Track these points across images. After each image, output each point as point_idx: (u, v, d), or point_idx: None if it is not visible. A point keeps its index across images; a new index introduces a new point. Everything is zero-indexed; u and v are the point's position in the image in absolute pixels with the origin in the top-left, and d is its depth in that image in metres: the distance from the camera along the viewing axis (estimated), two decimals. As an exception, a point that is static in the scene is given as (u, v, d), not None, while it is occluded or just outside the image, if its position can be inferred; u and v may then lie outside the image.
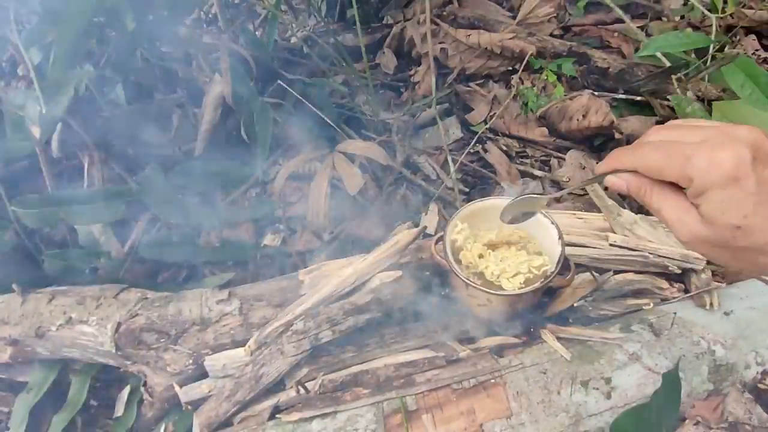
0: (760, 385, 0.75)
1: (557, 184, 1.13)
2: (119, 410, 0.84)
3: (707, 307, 0.81)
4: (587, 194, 1.02)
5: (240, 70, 1.07)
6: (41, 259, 0.91)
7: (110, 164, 1.03)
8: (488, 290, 0.68)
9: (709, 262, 0.83)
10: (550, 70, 1.23)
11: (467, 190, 1.10)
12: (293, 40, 1.45)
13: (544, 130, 1.20)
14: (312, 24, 1.46)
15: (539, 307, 0.81)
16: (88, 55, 1.01)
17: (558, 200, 0.75)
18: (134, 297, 0.84)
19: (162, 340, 0.80)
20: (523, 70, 1.22)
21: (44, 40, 0.81)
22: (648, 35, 1.28)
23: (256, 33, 1.30)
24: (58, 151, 0.96)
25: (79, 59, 0.98)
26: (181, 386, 0.79)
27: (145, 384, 0.81)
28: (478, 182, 1.14)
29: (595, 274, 0.81)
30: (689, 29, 1.26)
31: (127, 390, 0.85)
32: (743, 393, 0.72)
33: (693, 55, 1.13)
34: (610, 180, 0.44)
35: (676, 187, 0.40)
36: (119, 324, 0.80)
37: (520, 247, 0.78)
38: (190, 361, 0.80)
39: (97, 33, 1.01)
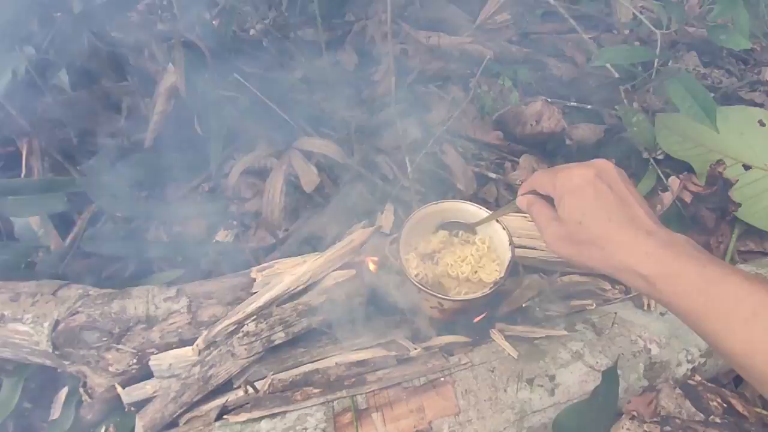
0: (689, 381, 0.80)
1: (511, 187, 1.16)
2: (56, 413, 0.79)
3: (645, 308, 0.86)
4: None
5: (195, 61, 1.03)
6: (-29, 253, 0.85)
7: (51, 153, 0.97)
8: (439, 295, 0.70)
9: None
10: (507, 76, 1.26)
11: (423, 190, 1.11)
12: (252, 32, 1.41)
13: (500, 133, 1.23)
14: (272, 17, 1.43)
15: (489, 307, 0.83)
16: (29, 36, 0.96)
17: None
18: (75, 293, 0.80)
19: (104, 339, 0.77)
20: (480, 74, 1.24)
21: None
22: (599, 46, 1.33)
23: (213, 23, 1.26)
24: (-8, 138, 0.91)
25: (18, 40, 0.92)
26: (123, 387, 0.76)
27: (84, 385, 0.77)
28: (435, 183, 1.15)
29: (542, 275, 0.84)
30: (637, 43, 1.33)
31: (64, 391, 0.81)
32: (675, 389, 0.77)
33: (639, 68, 1.19)
34: (519, 199, 0.59)
35: (552, 205, 0.54)
36: (57, 322, 0.76)
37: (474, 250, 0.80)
38: (134, 361, 0.77)
39: (39, 13, 0.95)
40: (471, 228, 0.78)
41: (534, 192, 0.57)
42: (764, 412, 0.79)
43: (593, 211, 0.48)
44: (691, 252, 0.45)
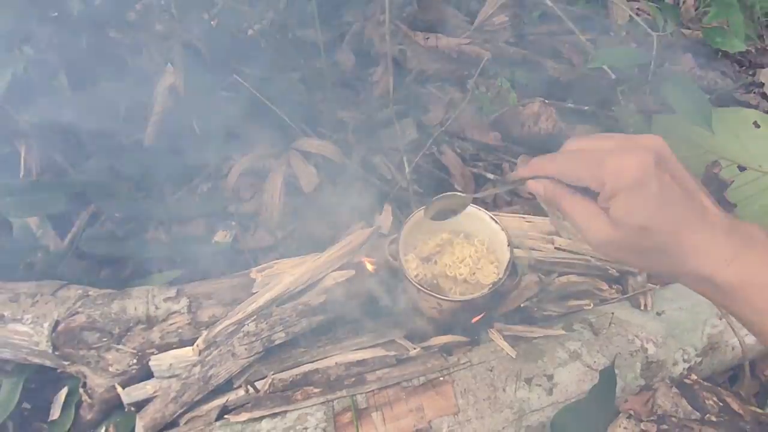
0: (686, 380, 0.81)
1: (508, 188, 1.17)
2: (55, 413, 0.79)
3: (642, 307, 0.87)
4: (535, 199, 1.06)
5: (193, 61, 1.03)
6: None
7: (50, 153, 0.97)
8: (438, 295, 0.70)
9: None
10: (504, 77, 1.27)
11: (421, 190, 1.12)
12: (250, 32, 1.41)
13: (497, 134, 1.24)
14: (270, 17, 1.43)
15: (487, 307, 0.84)
16: (28, 37, 0.96)
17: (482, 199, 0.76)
18: (74, 294, 0.80)
19: (104, 340, 0.77)
20: (478, 75, 1.25)
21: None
22: (597, 48, 1.34)
23: (212, 23, 1.26)
24: (-9, 138, 0.90)
25: (17, 40, 0.92)
26: (123, 387, 0.76)
27: (84, 385, 0.78)
28: (433, 183, 1.16)
29: (540, 276, 0.85)
30: (633, 45, 1.33)
31: (64, 391, 0.81)
32: (671, 388, 0.78)
33: (636, 70, 1.20)
34: (531, 183, 0.47)
35: (588, 194, 0.43)
36: (57, 322, 0.76)
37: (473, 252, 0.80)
38: (134, 361, 0.77)
39: (38, 13, 0.95)
40: (465, 201, 0.68)
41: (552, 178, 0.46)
42: (759, 410, 0.80)
43: (661, 214, 0.39)
44: None
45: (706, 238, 0.39)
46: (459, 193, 0.67)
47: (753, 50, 1.46)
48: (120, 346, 0.77)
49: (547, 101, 1.21)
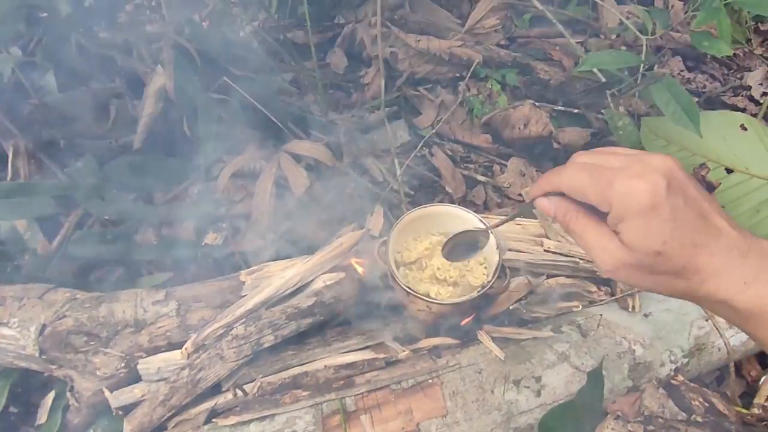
0: (672, 381, 0.81)
1: (499, 190, 1.18)
2: (42, 417, 0.79)
3: (630, 309, 0.87)
4: (524, 200, 1.07)
5: (184, 63, 1.03)
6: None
7: (38, 155, 0.97)
8: (427, 298, 0.70)
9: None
10: (495, 79, 1.28)
11: (413, 193, 1.12)
12: (241, 34, 1.41)
13: (488, 136, 1.24)
14: (261, 19, 1.43)
15: (476, 310, 0.84)
16: (16, 37, 0.95)
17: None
18: (62, 297, 0.80)
19: (92, 343, 0.76)
20: (469, 78, 1.26)
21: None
22: (587, 51, 1.35)
23: (203, 24, 1.25)
24: (-23, 140, 0.90)
25: (5, 41, 0.92)
26: (111, 391, 0.75)
27: (71, 389, 0.77)
28: (424, 185, 1.16)
29: (529, 278, 0.85)
30: (623, 48, 1.34)
31: (51, 395, 0.80)
32: (658, 389, 0.78)
33: (626, 73, 1.21)
34: (540, 202, 0.46)
35: (599, 216, 0.42)
36: (44, 326, 0.76)
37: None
38: (122, 365, 0.77)
39: (27, 14, 0.94)
40: (484, 234, 0.65)
41: (560, 193, 0.44)
42: (744, 410, 0.81)
43: (675, 238, 0.38)
44: None
45: (723, 261, 0.38)
46: (475, 230, 0.63)
47: (741, 54, 1.47)
48: (108, 350, 0.76)
49: (537, 104, 1.22)
